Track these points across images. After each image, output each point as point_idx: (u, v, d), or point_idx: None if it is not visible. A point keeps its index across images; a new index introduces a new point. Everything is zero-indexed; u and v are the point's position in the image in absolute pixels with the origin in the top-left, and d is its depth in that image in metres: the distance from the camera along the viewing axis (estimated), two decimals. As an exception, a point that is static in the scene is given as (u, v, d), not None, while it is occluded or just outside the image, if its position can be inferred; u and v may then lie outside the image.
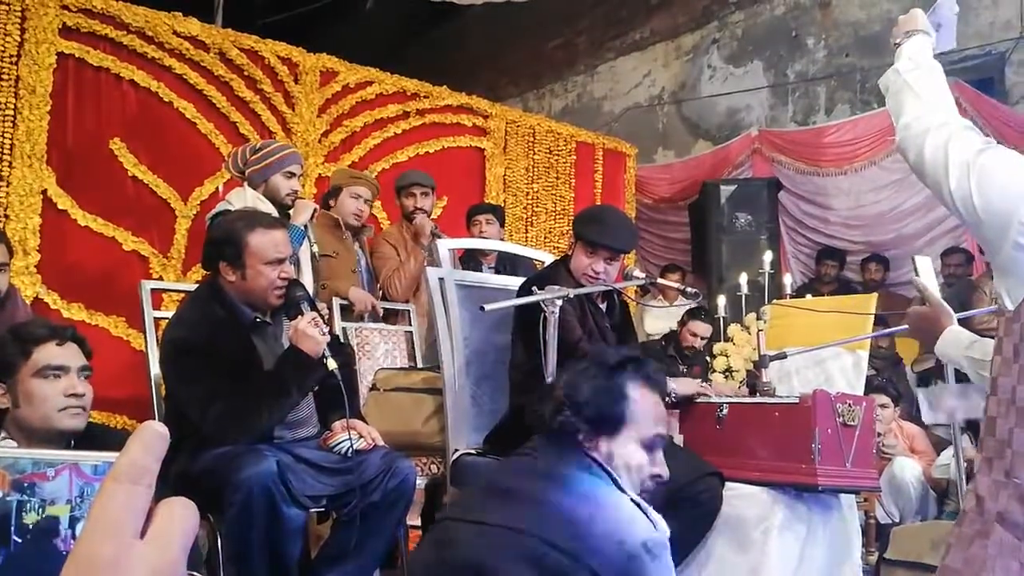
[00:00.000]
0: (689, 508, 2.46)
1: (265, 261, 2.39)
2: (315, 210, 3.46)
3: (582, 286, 2.70)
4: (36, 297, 3.87)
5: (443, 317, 2.98)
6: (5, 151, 3.87)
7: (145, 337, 2.82)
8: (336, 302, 3.71)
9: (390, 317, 3.98)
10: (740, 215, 6.38)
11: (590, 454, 1.59)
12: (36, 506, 0.71)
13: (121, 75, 4.28)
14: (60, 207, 4.03)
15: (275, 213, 3.06)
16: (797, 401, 2.51)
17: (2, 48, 3.89)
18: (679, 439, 2.77)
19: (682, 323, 4.82)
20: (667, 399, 2.75)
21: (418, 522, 2.96)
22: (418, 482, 2.53)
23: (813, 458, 2.41)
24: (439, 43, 9.65)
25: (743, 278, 4.02)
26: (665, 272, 6.24)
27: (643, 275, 3.05)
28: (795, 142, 6.80)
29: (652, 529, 1.47)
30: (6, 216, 3.86)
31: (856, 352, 3.04)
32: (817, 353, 3.03)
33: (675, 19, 8.07)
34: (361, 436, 2.42)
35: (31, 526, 0.72)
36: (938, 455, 4.34)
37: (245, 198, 3.18)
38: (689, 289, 3.04)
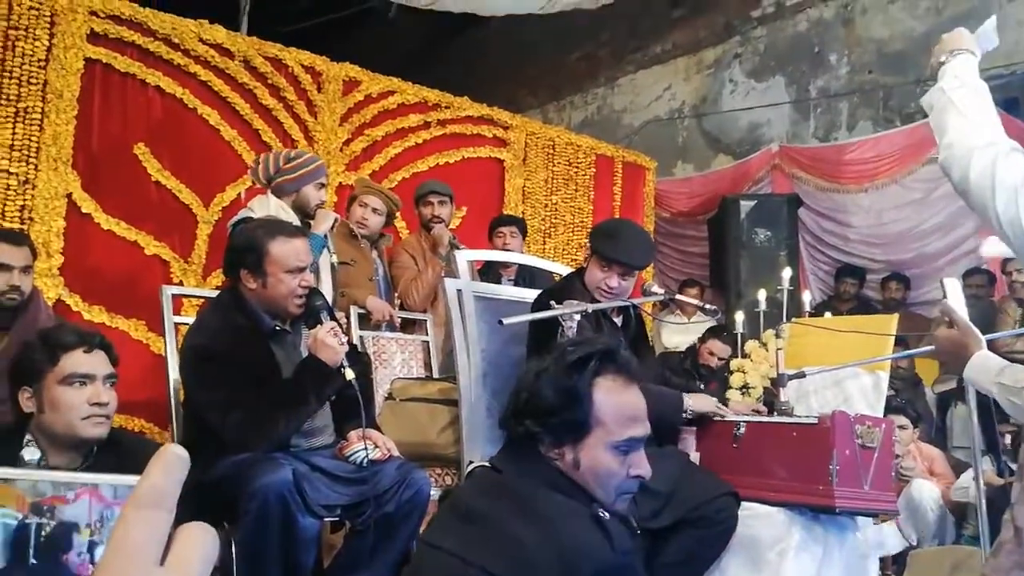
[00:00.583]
0: (704, 527, 2.45)
1: (286, 269, 2.41)
2: (336, 220, 3.48)
3: (595, 299, 2.69)
4: (58, 299, 3.90)
5: (460, 328, 2.98)
6: (31, 154, 3.92)
7: (165, 341, 2.85)
8: (354, 310, 3.72)
9: (407, 326, 3.98)
10: (759, 231, 6.34)
11: (554, 464, 1.46)
12: (55, 529, 0.71)
13: (147, 81, 4.32)
14: (84, 210, 4.07)
15: (297, 222, 3.08)
16: (816, 421, 2.49)
17: (31, 52, 3.94)
18: (695, 457, 2.75)
19: (702, 340, 4.79)
20: (684, 415, 2.75)
21: (431, 533, 2.96)
22: (432, 493, 2.53)
23: (831, 479, 2.38)
24: (461, 53, 9.70)
25: (761, 294, 3.98)
26: (684, 287, 6.23)
27: (662, 290, 3.05)
28: (816, 158, 6.75)
29: (608, 553, 1.37)
30: (31, 219, 3.90)
31: (876, 372, 3.01)
32: (836, 373, 2.99)
33: (697, 33, 8.06)
34: (376, 446, 2.43)
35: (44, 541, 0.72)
36: (957, 478, 4.28)
37: (268, 206, 3.20)
38: (708, 306, 3.03)
